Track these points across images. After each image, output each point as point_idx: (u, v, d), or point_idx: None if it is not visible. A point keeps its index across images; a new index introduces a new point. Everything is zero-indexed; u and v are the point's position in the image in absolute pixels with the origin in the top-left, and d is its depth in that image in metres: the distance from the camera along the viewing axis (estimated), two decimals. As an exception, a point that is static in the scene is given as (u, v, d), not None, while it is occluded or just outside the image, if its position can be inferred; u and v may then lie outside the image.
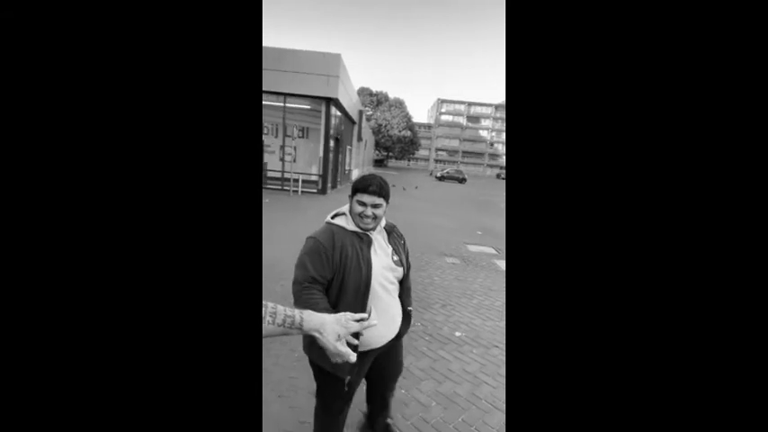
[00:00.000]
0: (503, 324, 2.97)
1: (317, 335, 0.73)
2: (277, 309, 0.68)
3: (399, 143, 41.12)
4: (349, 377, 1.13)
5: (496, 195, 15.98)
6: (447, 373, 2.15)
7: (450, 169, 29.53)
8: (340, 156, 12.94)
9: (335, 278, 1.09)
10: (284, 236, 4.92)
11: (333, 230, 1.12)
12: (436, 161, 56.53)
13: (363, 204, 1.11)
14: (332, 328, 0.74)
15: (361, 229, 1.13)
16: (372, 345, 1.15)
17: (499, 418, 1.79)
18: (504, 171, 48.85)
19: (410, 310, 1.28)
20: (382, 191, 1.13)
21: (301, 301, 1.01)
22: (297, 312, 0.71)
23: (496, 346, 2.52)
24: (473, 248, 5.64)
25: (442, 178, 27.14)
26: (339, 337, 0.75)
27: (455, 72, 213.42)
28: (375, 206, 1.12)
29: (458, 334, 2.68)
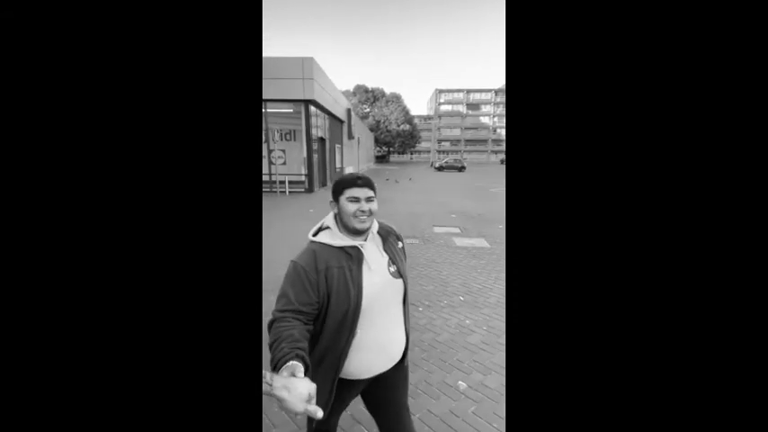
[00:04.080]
0: (430, 288, 3.30)
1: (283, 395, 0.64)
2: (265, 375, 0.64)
3: (399, 137, 41.25)
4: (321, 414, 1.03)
5: (492, 182, 16.07)
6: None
7: (449, 159, 29.59)
8: (328, 155, 13.36)
9: (321, 305, 0.94)
10: (271, 235, 5.32)
11: (314, 250, 0.96)
12: (439, 152, 56.34)
13: (357, 200, 0.96)
14: (298, 393, 0.64)
15: (358, 230, 0.97)
16: (358, 375, 1.01)
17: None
18: (508, 156, 48.15)
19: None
20: (371, 182, 1.01)
21: (270, 335, 0.86)
22: (267, 374, 0.65)
23: (414, 305, 2.86)
24: (438, 229, 5.95)
25: (440, 168, 27.23)
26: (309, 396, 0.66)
27: (452, 60, 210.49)
28: (369, 199, 0.98)
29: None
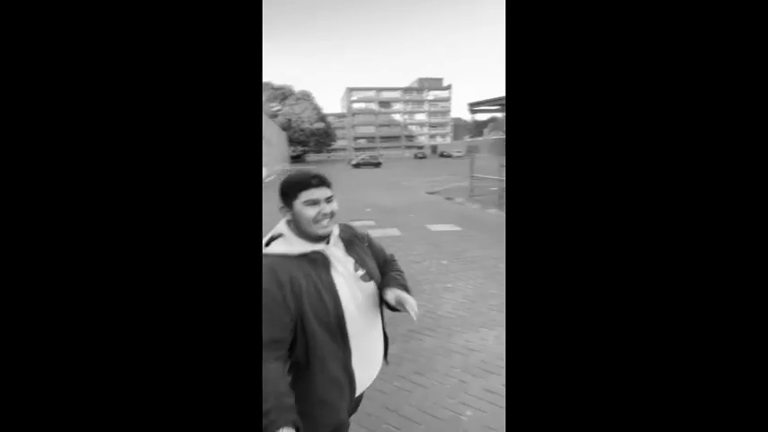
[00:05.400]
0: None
1: None
2: None
3: (314, 136, 40.49)
4: None
5: (406, 177, 17.04)
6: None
7: (365, 156, 30.24)
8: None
9: (297, 327, 0.81)
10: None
11: (271, 265, 0.81)
12: (356, 149, 56.99)
13: (316, 203, 0.84)
14: None
15: (320, 236, 0.87)
16: (363, 388, 0.96)
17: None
18: (420, 151, 51.49)
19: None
20: (326, 179, 0.89)
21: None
22: None
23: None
24: (354, 224, 6.15)
25: (358, 165, 27.68)
26: None
27: (363, 59, 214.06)
28: (329, 200, 0.87)
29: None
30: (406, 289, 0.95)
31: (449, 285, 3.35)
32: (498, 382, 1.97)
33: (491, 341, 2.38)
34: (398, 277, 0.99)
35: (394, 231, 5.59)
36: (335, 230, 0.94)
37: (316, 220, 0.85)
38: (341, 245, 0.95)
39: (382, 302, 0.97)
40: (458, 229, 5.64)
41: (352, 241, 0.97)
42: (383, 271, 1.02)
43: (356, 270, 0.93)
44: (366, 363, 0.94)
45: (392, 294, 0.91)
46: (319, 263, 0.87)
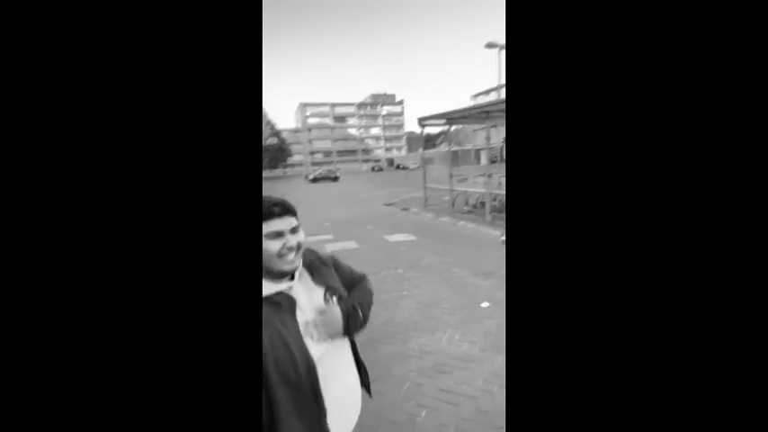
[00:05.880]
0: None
1: None
2: None
3: (268, 152, 39.48)
4: None
5: (363, 189, 17.18)
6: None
7: (322, 170, 30.08)
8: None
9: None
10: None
11: None
12: (312, 164, 56.39)
13: (280, 235, 0.74)
14: None
15: (286, 272, 0.77)
16: None
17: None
18: (377, 164, 52.32)
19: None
20: (290, 207, 0.78)
21: None
22: None
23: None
24: (312, 239, 6.10)
25: (315, 180, 27.40)
26: None
27: (316, 75, 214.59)
28: (294, 230, 0.77)
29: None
30: (356, 311, 0.85)
31: (405, 293, 3.44)
32: (451, 381, 2.07)
33: (444, 342, 2.50)
34: (357, 298, 0.90)
35: (351, 244, 5.62)
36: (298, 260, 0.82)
37: (280, 255, 0.74)
38: (306, 275, 0.84)
39: (350, 327, 0.86)
40: (413, 238, 5.82)
41: (319, 267, 0.87)
42: (350, 286, 0.93)
43: (326, 300, 0.83)
44: (343, 412, 0.82)
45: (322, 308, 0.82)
46: (284, 306, 0.75)
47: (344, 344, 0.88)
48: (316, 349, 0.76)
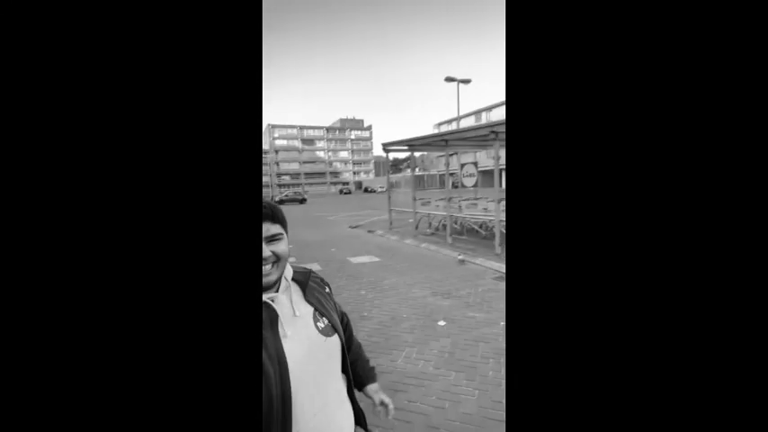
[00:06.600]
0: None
1: None
2: None
3: (232, 173, 38.28)
4: None
5: (331, 211, 17.13)
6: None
7: (289, 192, 29.74)
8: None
9: None
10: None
11: None
12: (279, 186, 55.45)
13: None
14: None
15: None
16: None
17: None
18: (346, 187, 52.48)
19: (373, 390, 0.92)
20: (276, 214, 0.70)
21: None
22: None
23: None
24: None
25: (281, 201, 26.93)
26: None
27: (285, 98, 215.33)
28: (272, 239, 0.68)
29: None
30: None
31: (365, 314, 3.47)
32: (405, 399, 2.11)
33: (400, 361, 2.54)
34: (371, 364, 0.92)
35: (315, 266, 5.58)
36: (288, 272, 0.75)
37: None
38: (296, 289, 0.76)
39: (346, 364, 0.80)
40: (377, 259, 5.89)
41: (312, 286, 0.80)
42: (348, 344, 0.87)
43: (317, 322, 0.74)
44: None
45: (377, 396, 0.87)
46: (265, 319, 0.67)
47: (339, 384, 0.79)
48: (303, 380, 0.68)
